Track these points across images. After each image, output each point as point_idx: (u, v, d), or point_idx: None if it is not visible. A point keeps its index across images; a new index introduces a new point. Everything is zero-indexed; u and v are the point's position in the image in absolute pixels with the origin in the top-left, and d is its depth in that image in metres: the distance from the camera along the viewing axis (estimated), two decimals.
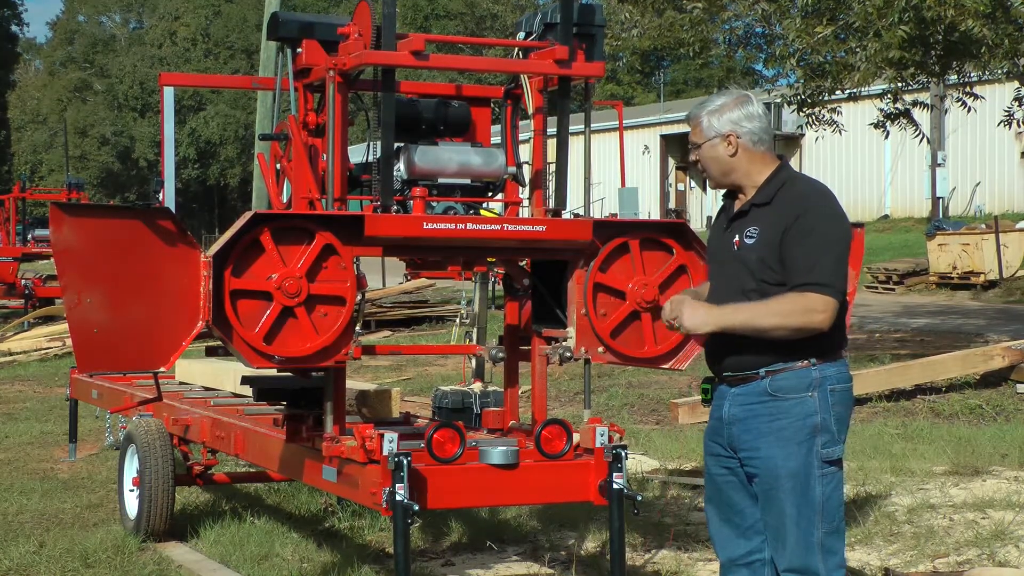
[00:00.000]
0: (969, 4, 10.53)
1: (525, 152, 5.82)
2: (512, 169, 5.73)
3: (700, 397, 4.52)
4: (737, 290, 4.18)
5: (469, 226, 5.24)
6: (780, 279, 4.10)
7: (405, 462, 4.94)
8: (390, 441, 4.98)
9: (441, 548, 6.99)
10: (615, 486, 5.27)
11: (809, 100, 13.36)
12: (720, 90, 4.40)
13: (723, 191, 4.41)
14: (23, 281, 24.57)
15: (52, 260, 5.88)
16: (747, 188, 4.28)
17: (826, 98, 13.39)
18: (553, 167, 5.74)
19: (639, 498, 5.31)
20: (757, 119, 4.27)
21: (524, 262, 5.78)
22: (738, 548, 4.33)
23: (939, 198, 32.55)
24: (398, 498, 4.92)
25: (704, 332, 4.20)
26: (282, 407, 6.02)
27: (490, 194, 5.78)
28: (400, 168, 5.52)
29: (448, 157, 5.59)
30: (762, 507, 4.23)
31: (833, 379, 4.17)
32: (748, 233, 4.19)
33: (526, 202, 5.86)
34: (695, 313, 4.18)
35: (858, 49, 11.44)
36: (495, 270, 6.11)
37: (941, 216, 31.19)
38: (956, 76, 13.85)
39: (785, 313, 4.06)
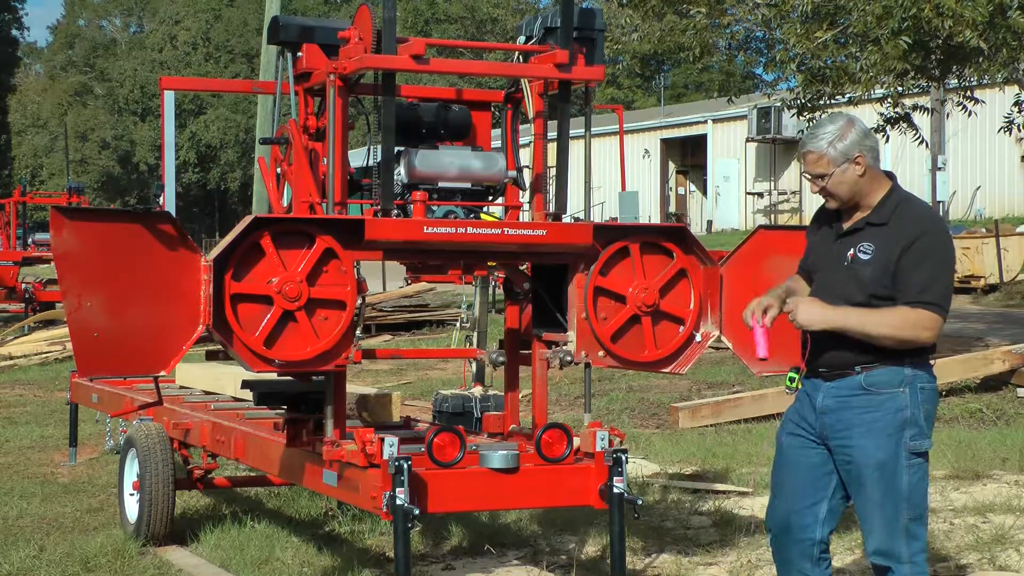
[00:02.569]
0: (968, 15, 10.53)
1: (525, 156, 5.82)
2: (512, 173, 5.74)
3: (786, 385, 4.75)
4: (843, 299, 4.41)
5: (469, 230, 5.25)
6: (890, 294, 4.36)
7: (405, 466, 4.94)
8: (390, 445, 4.98)
9: (441, 552, 6.99)
10: (615, 490, 5.27)
11: (809, 104, 13.36)
12: (822, 118, 4.66)
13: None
14: (23, 285, 24.59)
15: (52, 264, 5.87)
16: (864, 206, 4.48)
17: (826, 103, 13.38)
18: (553, 171, 5.75)
19: (639, 502, 5.31)
20: (872, 136, 4.50)
21: (524, 266, 5.78)
22: (792, 522, 4.59)
23: (939, 202, 32.49)
24: (398, 502, 4.92)
25: (815, 328, 4.41)
26: (282, 411, 6.02)
27: (490, 198, 5.78)
28: (400, 172, 5.53)
29: (448, 161, 5.60)
30: (852, 493, 4.50)
31: (924, 378, 4.44)
32: (862, 249, 4.42)
33: (526, 206, 5.86)
34: (811, 310, 4.40)
35: (859, 55, 11.44)
36: (495, 274, 6.12)
37: None
38: (956, 80, 13.85)
39: (898, 326, 4.33)
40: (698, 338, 5.62)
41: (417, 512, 4.96)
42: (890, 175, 4.53)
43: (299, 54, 5.66)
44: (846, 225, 4.52)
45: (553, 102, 5.70)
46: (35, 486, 9.26)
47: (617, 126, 35.56)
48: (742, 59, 15.25)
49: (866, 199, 4.47)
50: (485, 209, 5.84)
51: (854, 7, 11.28)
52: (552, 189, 5.74)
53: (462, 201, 5.61)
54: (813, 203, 33.71)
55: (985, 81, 13.91)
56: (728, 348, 5.82)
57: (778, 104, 14.41)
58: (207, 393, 8.29)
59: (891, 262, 4.34)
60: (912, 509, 4.41)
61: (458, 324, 11.72)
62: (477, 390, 7.90)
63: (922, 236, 4.35)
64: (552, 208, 5.73)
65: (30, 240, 28.11)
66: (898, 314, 4.32)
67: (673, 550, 6.80)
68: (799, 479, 4.62)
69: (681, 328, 5.59)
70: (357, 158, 5.94)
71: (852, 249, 4.45)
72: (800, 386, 4.65)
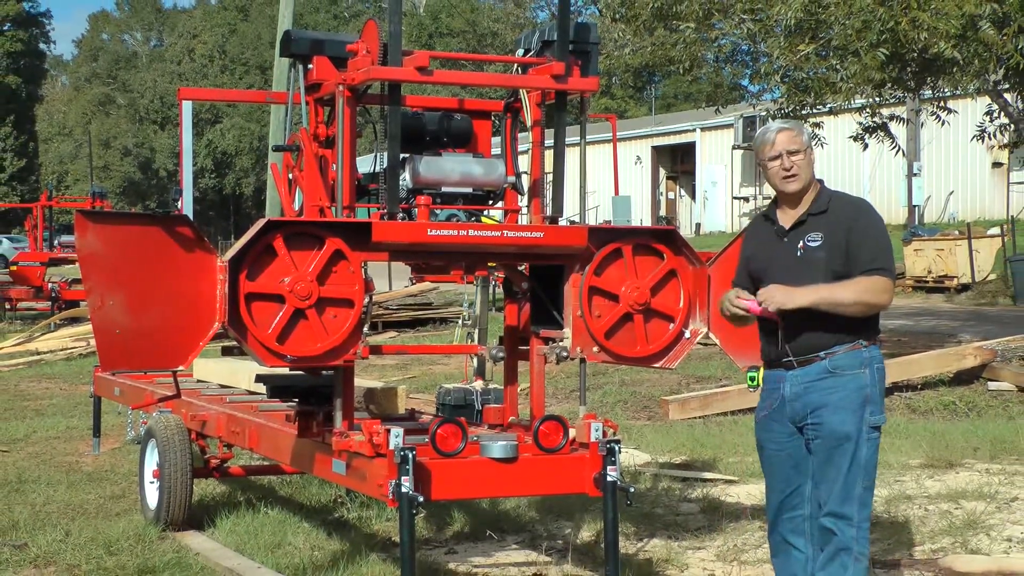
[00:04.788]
0: (941, 27, 10.53)
1: (524, 162, 5.82)
2: (511, 178, 5.73)
3: (748, 384, 4.95)
4: (804, 285, 4.66)
5: (471, 232, 5.24)
6: (846, 271, 4.62)
7: (410, 456, 4.93)
8: (396, 436, 4.98)
9: (444, 537, 6.99)
10: (609, 478, 5.26)
11: (792, 114, 13.34)
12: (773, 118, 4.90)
13: (759, 208, 4.80)
14: (50, 284, 24.60)
15: (77, 265, 5.86)
16: (801, 203, 4.76)
17: (808, 112, 13.37)
18: (550, 176, 5.74)
19: (632, 490, 5.30)
20: None
21: (523, 266, 5.77)
22: (784, 505, 4.85)
23: (915, 206, 32.53)
24: (403, 490, 4.91)
25: (792, 307, 4.59)
26: (294, 404, 6.01)
27: (491, 202, 5.77)
28: (406, 177, 5.52)
29: (451, 167, 5.59)
30: (820, 464, 4.71)
31: (878, 359, 4.75)
32: (811, 238, 4.70)
33: (525, 210, 5.86)
34: (786, 292, 4.62)
35: (839, 67, 11.43)
36: (495, 274, 6.10)
37: (917, 223, 31.17)
38: (931, 91, 13.84)
39: (861, 291, 4.59)
40: (687, 334, 5.62)
41: (421, 499, 4.95)
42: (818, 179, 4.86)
43: (310, 66, 5.65)
44: (788, 224, 4.77)
45: (550, 111, 5.70)
46: (61, 474, 9.26)
47: (611, 134, 35.46)
48: (729, 71, 15.23)
49: (805, 193, 4.75)
50: (486, 212, 5.84)
51: (835, 21, 11.26)
52: (549, 193, 5.74)
53: (464, 205, 5.60)
54: None
55: (958, 92, 13.91)
56: (716, 344, 5.82)
57: (763, 114, 14.38)
58: (223, 387, 8.28)
59: (840, 242, 4.63)
60: (866, 478, 4.69)
61: (460, 322, 11.69)
62: (478, 384, 7.86)
63: (860, 216, 4.69)
64: (549, 211, 5.72)
65: (56, 242, 28.09)
66: (861, 282, 4.60)
67: (663, 535, 6.80)
68: (783, 469, 4.85)
69: (671, 325, 5.58)
70: (364, 164, 5.93)
71: (801, 240, 4.71)
72: (761, 384, 4.87)
